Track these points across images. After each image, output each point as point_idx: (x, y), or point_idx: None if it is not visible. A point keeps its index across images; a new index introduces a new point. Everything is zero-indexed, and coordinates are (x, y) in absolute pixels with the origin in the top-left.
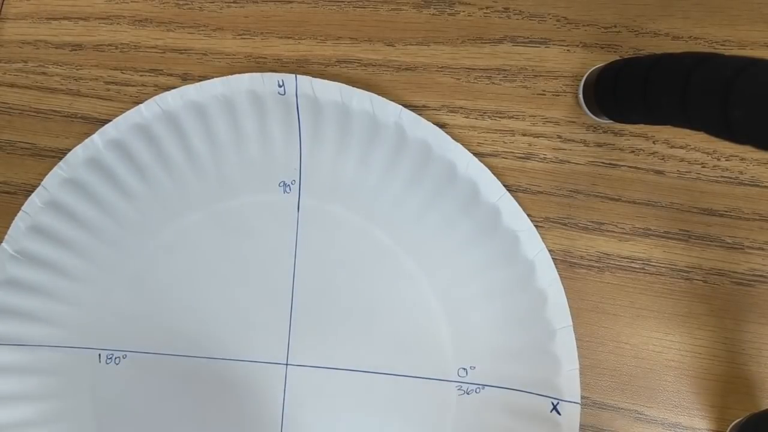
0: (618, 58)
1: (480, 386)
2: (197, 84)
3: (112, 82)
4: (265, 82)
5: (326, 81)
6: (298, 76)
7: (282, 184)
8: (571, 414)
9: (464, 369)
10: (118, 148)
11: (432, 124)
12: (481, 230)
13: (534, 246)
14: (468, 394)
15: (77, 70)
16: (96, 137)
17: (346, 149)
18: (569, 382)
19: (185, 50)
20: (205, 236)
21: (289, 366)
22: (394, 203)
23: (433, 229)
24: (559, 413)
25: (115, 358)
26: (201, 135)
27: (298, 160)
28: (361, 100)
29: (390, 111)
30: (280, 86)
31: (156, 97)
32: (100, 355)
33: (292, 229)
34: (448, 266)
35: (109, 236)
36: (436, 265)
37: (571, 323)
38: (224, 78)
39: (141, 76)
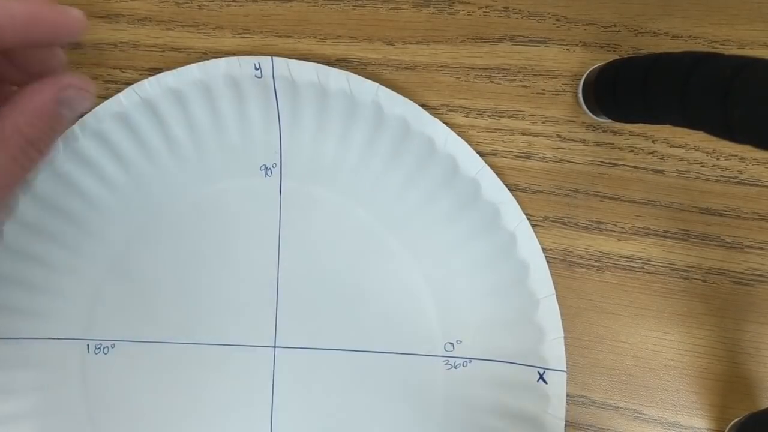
0: (617, 57)
1: (467, 360)
2: (174, 70)
3: (112, 81)
4: (242, 65)
5: (302, 62)
6: (274, 57)
7: (263, 167)
8: (558, 382)
9: (451, 343)
10: (99, 138)
11: (409, 101)
12: (462, 204)
13: (514, 217)
14: (455, 368)
15: (77, 68)
16: (76, 128)
17: (325, 130)
18: (554, 351)
19: (185, 49)
20: (188, 223)
21: (277, 348)
22: (375, 182)
23: (414, 206)
24: (545, 382)
25: (104, 347)
26: (180, 122)
27: (278, 143)
28: (338, 79)
29: (367, 89)
30: (256, 69)
31: (134, 85)
32: (88, 345)
33: (275, 212)
34: (431, 242)
35: (92, 226)
36: (419, 242)
37: (553, 292)
38: (201, 63)
39: (141, 75)
